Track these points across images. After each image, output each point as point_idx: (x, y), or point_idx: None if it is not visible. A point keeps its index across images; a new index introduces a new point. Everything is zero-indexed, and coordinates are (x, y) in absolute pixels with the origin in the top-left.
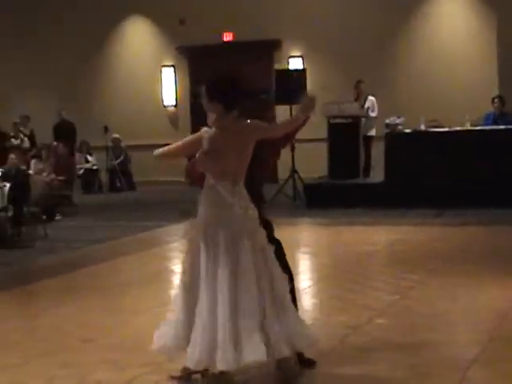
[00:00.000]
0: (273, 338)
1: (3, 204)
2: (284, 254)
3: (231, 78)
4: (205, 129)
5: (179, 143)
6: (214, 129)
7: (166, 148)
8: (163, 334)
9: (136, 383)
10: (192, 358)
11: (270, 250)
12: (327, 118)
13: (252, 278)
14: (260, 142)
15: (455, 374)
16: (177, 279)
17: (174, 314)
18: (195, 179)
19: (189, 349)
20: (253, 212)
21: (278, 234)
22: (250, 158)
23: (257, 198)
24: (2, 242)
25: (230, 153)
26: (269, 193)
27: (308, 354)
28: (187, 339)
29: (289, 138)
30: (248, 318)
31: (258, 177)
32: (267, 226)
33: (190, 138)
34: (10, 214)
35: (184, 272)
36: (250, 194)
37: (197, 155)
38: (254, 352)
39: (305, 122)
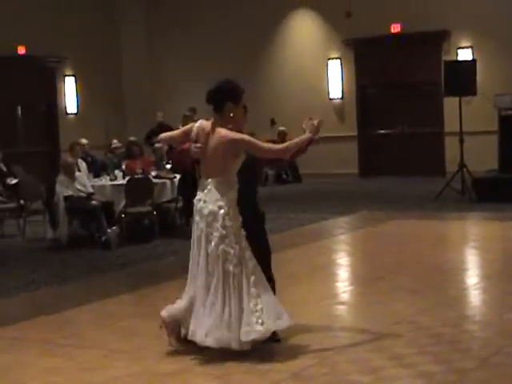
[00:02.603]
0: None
1: (173, 195)
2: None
3: (220, 83)
4: (200, 120)
5: (178, 131)
6: (203, 122)
7: (167, 133)
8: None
9: (304, 374)
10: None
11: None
12: (498, 110)
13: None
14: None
15: None
16: (344, 272)
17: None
18: (186, 166)
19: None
20: (214, 207)
21: (447, 228)
22: (226, 163)
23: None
24: (171, 231)
25: (206, 150)
26: (436, 187)
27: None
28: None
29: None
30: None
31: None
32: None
33: (186, 127)
34: (179, 204)
35: None
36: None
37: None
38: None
39: (308, 145)
